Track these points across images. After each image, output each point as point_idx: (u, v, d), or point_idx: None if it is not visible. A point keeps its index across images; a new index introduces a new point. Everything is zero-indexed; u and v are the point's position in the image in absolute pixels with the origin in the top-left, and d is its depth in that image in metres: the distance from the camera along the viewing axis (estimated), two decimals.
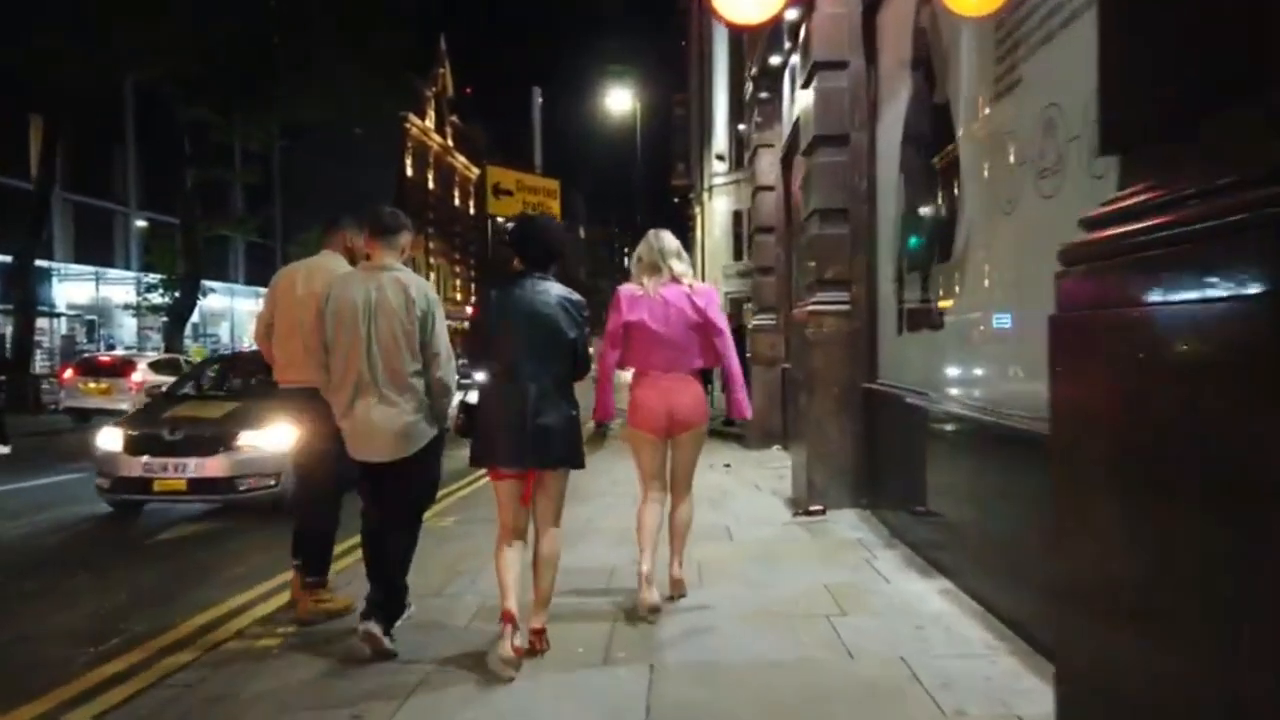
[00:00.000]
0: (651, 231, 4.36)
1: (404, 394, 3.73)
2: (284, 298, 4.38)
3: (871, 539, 5.84)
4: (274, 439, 7.23)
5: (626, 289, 4.26)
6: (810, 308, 6.84)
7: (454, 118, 58.77)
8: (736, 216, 25.27)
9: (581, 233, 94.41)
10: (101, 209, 30.89)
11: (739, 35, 26.21)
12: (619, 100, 29.99)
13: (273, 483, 7.42)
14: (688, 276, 4.26)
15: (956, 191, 4.82)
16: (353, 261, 4.37)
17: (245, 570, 5.79)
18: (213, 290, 29.18)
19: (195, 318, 32.24)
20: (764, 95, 12.20)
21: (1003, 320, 4.31)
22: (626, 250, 52.11)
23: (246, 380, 9.41)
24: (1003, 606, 4.01)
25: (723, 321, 4.28)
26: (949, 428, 4.83)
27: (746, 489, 8.28)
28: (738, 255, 21.83)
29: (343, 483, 4.24)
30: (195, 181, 24.66)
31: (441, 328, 3.82)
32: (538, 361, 3.58)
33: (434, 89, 54.22)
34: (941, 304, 5.04)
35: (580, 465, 3.75)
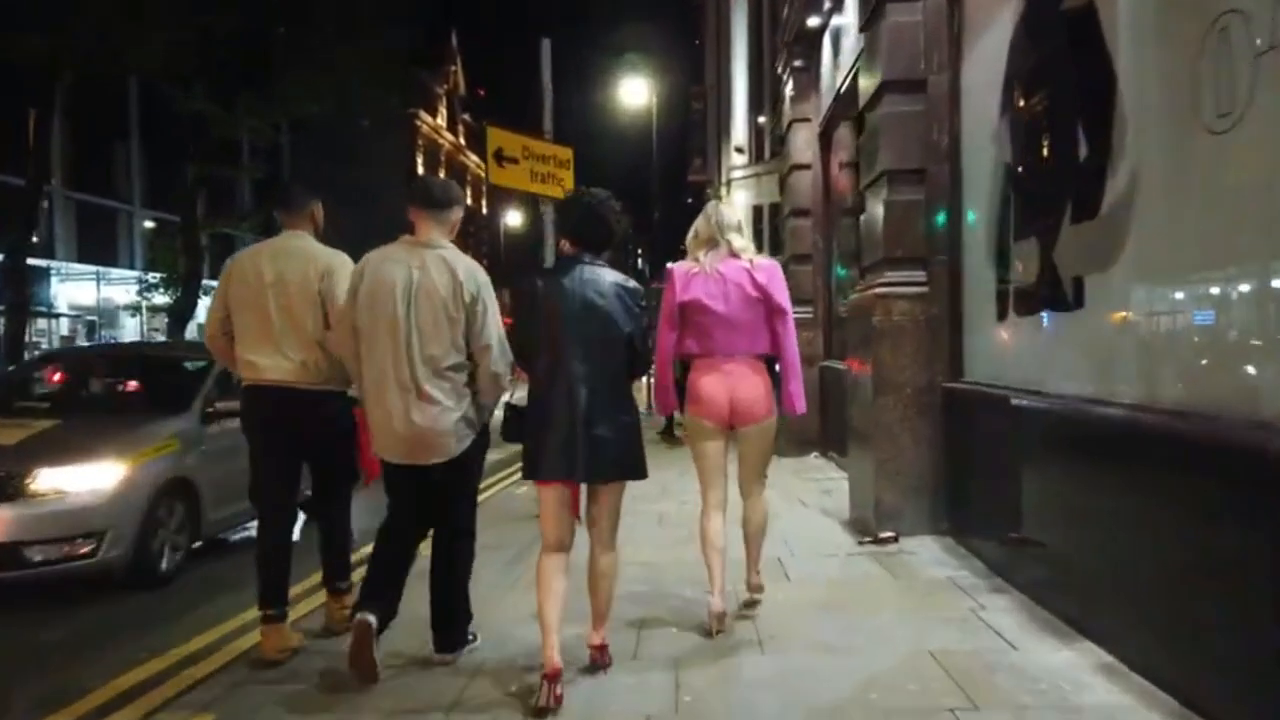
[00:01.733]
0: (710, 203, 4.13)
1: (446, 389, 3.32)
2: (243, 288, 3.77)
3: (968, 578, 4.63)
4: (91, 479, 4.88)
5: (680, 266, 3.96)
6: (876, 290, 5.63)
7: (466, 116, 57.84)
8: (757, 211, 24.37)
9: None
10: (104, 207, 30.15)
11: (759, 20, 25.32)
12: (633, 92, 28.89)
13: (90, 548, 4.82)
14: (749, 251, 3.92)
15: (1105, 129, 3.60)
16: (319, 239, 3.94)
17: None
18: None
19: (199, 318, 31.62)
20: (799, 64, 10.99)
21: (1194, 289, 3.11)
22: (640, 251, 51.07)
23: (99, 386, 6.90)
24: (1202, 695, 2.82)
25: (787, 301, 3.90)
26: (1090, 436, 3.63)
27: (790, 505, 7.08)
28: (758, 249, 20.83)
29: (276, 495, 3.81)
30: (197, 177, 23.76)
31: (494, 316, 3.40)
32: (590, 361, 3.21)
33: (445, 86, 53.34)
34: (1080, 275, 3.82)
35: (641, 476, 3.38)
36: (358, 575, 3.74)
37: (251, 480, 3.85)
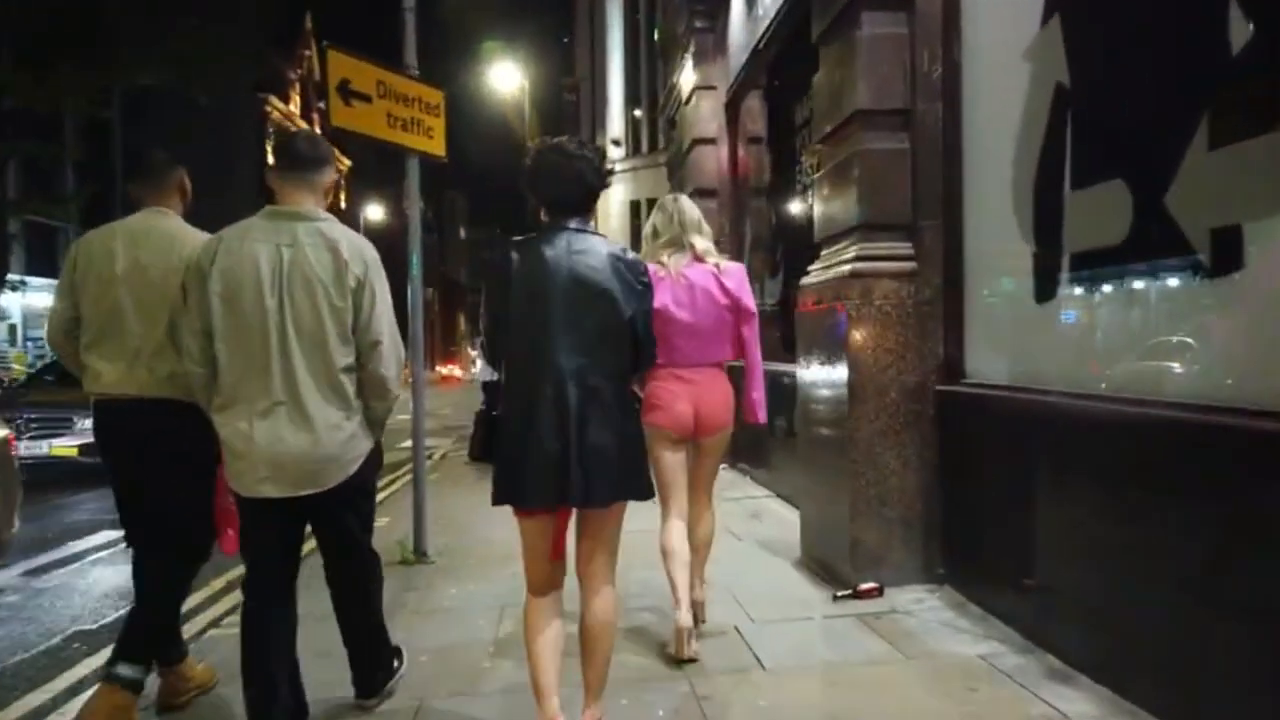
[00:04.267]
0: (669, 197, 3.82)
1: (332, 400, 2.71)
2: (90, 277, 3.13)
3: (1005, 655, 3.37)
4: None
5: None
6: (850, 268, 4.33)
7: (322, 105, 54.51)
8: (634, 207, 23.34)
9: (462, 233, 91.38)
10: None
11: (635, 9, 24.15)
12: (501, 79, 27.26)
13: None
14: (713, 254, 3.69)
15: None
16: (187, 219, 3.32)
17: None
18: (25, 285, 24.76)
19: (15, 319, 27.80)
20: (701, 24, 9.72)
21: None
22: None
23: None
24: None
25: (753, 305, 3.69)
26: (1221, 457, 2.40)
27: (723, 539, 5.73)
28: (635, 248, 20.16)
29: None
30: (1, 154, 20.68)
31: (384, 304, 2.80)
32: (584, 352, 2.56)
33: (299, 71, 49.96)
34: (1229, 224, 2.56)
35: (649, 495, 2.72)
36: None
37: (118, 512, 3.23)
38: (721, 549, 5.21)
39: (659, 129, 20.52)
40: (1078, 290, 3.36)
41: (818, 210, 4.97)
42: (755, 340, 3.65)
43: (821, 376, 4.62)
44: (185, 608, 3.51)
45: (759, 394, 3.71)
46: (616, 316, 2.58)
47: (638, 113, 24.62)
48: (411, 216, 5.63)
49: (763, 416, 3.74)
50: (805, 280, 4.97)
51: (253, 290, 2.63)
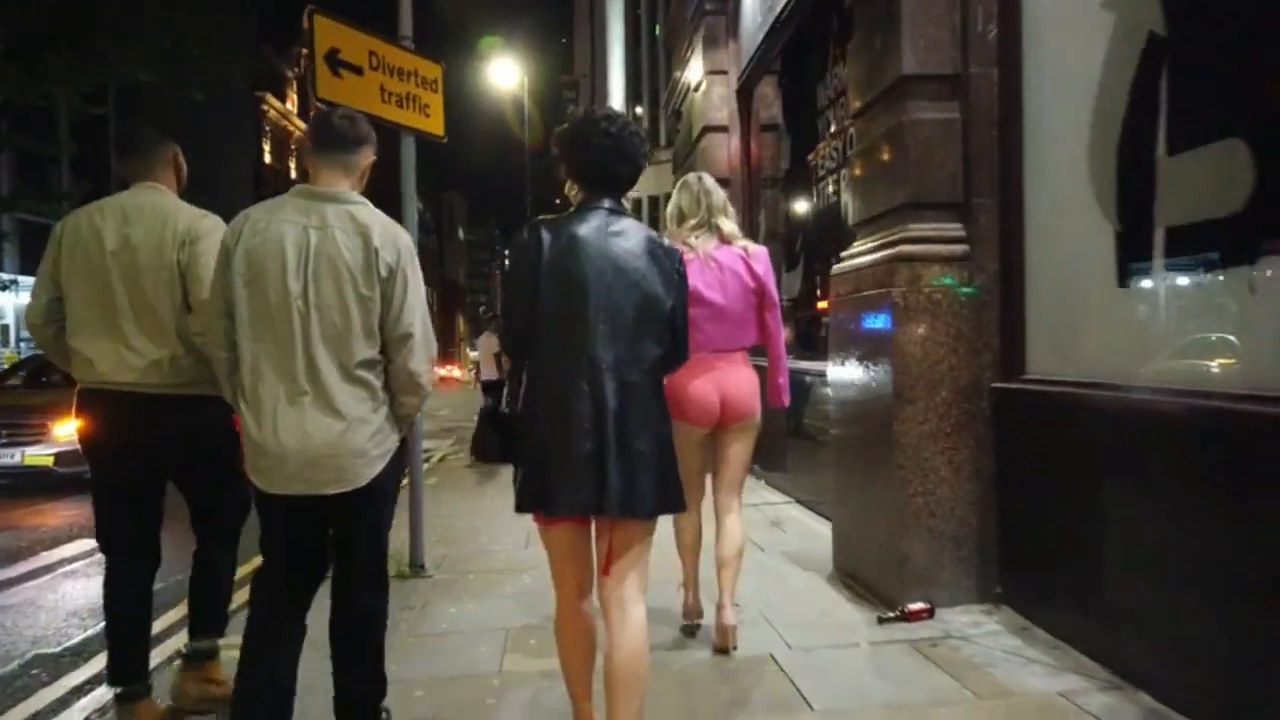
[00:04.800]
0: (693, 176, 3.64)
1: (358, 393, 2.48)
2: (77, 257, 2.91)
3: (1088, 692, 2.92)
4: None
5: None
6: (893, 251, 3.90)
7: (320, 104, 54.17)
8: (636, 204, 22.91)
9: (461, 234, 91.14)
10: None
11: (636, 4, 23.79)
12: (500, 76, 26.87)
13: None
14: (739, 236, 3.56)
15: None
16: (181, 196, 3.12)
17: None
18: (18, 285, 24.33)
19: (8, 319, 27.37)
20: (711, 6, 9.29)
21: None
22: (507, 254, 49.10)
23: None
24: None
25: (776, 291, 3.58)
26: None
27: (745, 550, 5.32)
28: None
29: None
30: None
31: (417, 295, 2.56)
32: (621, 343, 2.32)
33: (296, 70, 49.55)
34: None
35: (678, 509, 2.42)
36: None
37: (96, 517, 3.05)
38: (745, 561, 4.81)
39: (661, 126, 20.14)
40: (1174, 271, 2.91)
41: (854, 191, 4.53)
42: (779, 326, 3.58)
43: (859, 373, 4.17)
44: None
45: (784, 379, 3.64)
46: (657, 306, 2.38)
47: (639, 110, 24.30)
48: (406, 198, 5.19)
49: (787, 400, 3.69)
50: (839, 267, 4.52)
51: (277, 273, 2.43)
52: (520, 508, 2.37)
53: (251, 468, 2.51)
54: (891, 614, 3.72)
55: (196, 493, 3.15)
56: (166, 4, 19.23)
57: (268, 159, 45.59)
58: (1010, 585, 3.73)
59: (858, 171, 4.43)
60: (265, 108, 45.15)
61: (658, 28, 21.18)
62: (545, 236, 2.37)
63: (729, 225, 3.55)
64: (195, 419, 2.97)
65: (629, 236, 2.39)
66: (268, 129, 45.79)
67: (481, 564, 5.08)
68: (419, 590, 4.61)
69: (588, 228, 2.37)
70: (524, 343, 2.42)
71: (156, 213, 2.95)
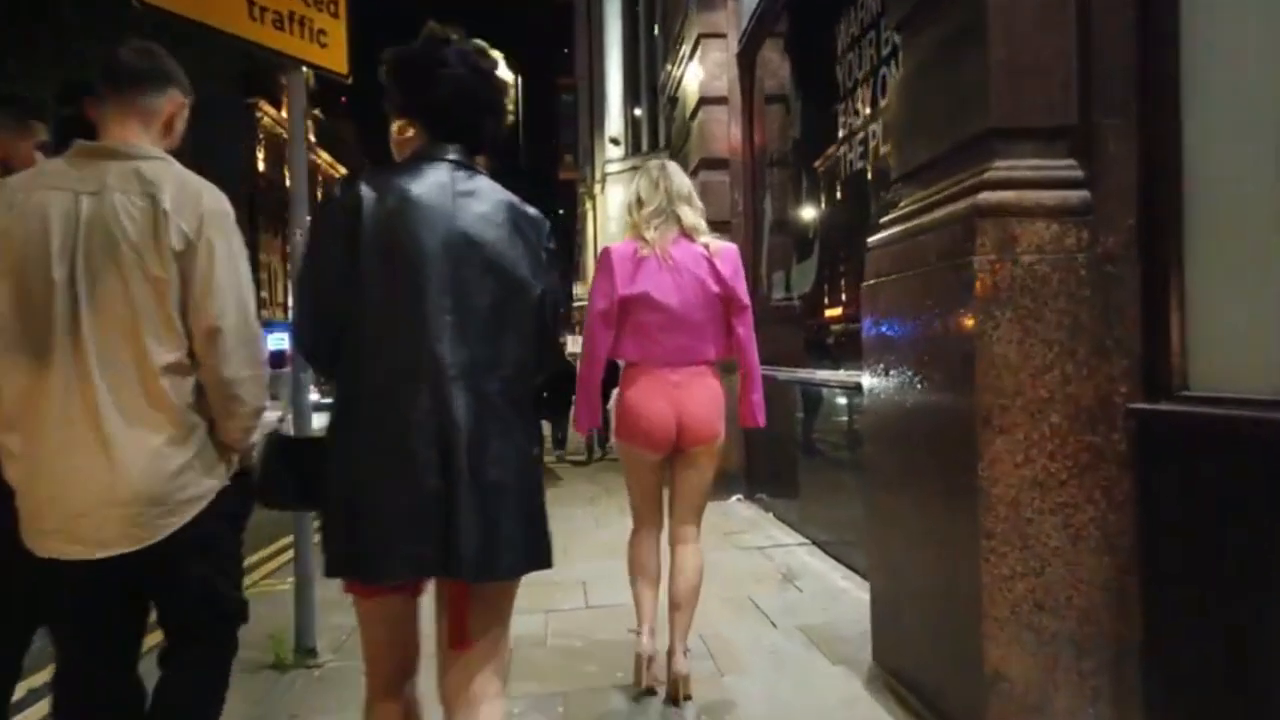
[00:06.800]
0: (654, 162, 3.27)
1: (146, 416, 1.92)
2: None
3: None
4: None
5: (620, 249, 3.11)
6: (970, 202, 2.56)
7: (316, 111, 53.48)
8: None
9: None
10: None
11: (634, 3, 22.70)
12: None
13: None
14: (702, 231, 3.13)
15: None
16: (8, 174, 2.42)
17: None
18: None
19: None
20: None
21: None
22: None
23: None
24: None
25: (747, 296, 3.14)
26: None
27: (737, 608, 4.06)
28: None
29: None
30: None
31: (230, 274, 1.99)
32: (475, 342, 1.78)
33: None
34: None
35: (548, 564, 1.87)
36: None
37: None
38: (744, 635, 3.60)
39: (659, 127, 19.04)
40: None
41: (903, 130, 3.20)
42: (752, 337, 3.14)
43: (914, 388, 2.84)
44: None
45: (758, 395, 3.21)
46: (523, 292, 1.84)
47: (638, 111, 23.36)
48: (294, 146, 3.99)
49: (762, 420, 3.23)
50: (879, 238, 3.19)
51: (37, 258, 1.90)
52: (330, 571, 1.78)
53: (26, 526, 1.93)
54: None
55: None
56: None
57: (261, 166, 44.81)
58: (1166, 699, 2.38)
59: (905, 104, 3.10)
60: (259, 114, 44.37)
61: (656, 28, 20.17)
62: (366, 193, 1.78)
63: (691, 216, 3.11)
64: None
65: (483, 199, 1.85)
66: (261, 135, 44.92)
67: None
68: (301, 687, 3.37)
69: (427, 185, 1.81)
70: (330, 343, 1.79)
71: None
